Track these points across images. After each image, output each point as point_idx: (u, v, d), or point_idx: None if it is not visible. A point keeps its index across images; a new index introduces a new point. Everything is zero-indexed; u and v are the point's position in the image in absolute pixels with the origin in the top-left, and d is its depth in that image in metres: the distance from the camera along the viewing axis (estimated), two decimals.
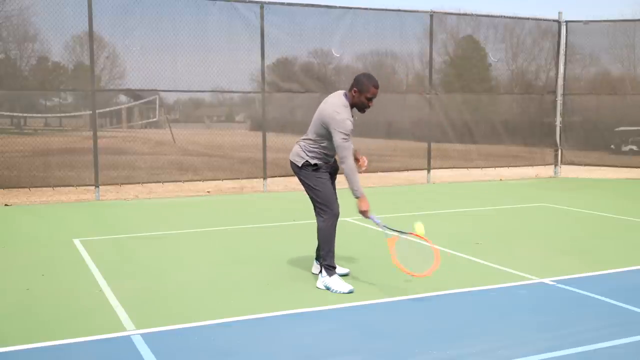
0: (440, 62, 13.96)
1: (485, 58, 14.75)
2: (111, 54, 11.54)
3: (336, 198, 5.25)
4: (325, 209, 5.17)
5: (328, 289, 5.08)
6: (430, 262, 4.91)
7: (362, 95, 5.04)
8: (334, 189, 5.38)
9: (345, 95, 5.13)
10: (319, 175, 5.20)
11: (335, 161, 5.41)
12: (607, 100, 14.76)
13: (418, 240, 4.95)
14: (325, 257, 5.17)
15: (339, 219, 5.24)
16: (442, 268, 5.86)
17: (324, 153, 5.20)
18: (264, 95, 11.86)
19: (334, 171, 5.43)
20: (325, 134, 5.08)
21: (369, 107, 5.11)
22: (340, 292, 5.00)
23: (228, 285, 5.33)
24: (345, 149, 4.96)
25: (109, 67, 11.96)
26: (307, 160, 5.20)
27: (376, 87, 5.06)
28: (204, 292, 5.12)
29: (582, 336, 4.05)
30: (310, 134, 5.21)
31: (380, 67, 13.68)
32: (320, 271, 5.23)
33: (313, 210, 5.32)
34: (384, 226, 5.05)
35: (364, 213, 5.02)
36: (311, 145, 5.20)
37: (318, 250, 5.40)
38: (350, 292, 5.00)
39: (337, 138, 4.97)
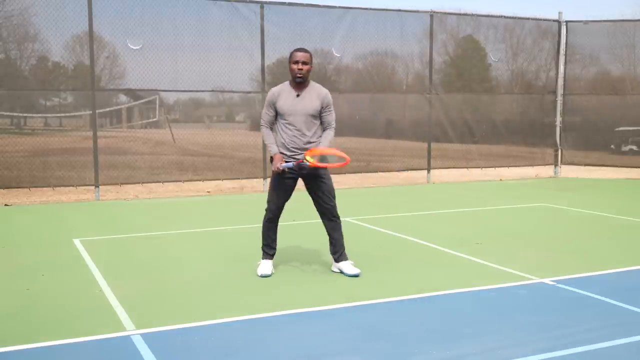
0: (440, 62, 13.95)
1: (485, 58, 14.76)
2: (111, 54, 11.53)
3: (281, 200, 5.54)
4: (267, 205, 5.62)
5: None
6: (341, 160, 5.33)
7: (290, 64, 5.39)
8: (322, 195, 5.51)
9: None
10: (274, 174, 5.51)
11: (312, 167, 5.33)
12: (607, 100, 14.76)
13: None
14: (262, 244, 5.68)
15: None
16: (442, 268, 5.88)
17: (280, 137, 5.49)
18: (264, 95, 11.84)
19: (314, 175, 5.44)
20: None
21: (298, 70, 5.33)
22: (258, 274, 5.49)
23: (228, 285, 5.33)
24: (261, 117, 5.60)
25: (109, 67, 11.96)
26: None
27: (297, 50, 5.39)
28: (204, 292, 5.12)
29: (582, 336, 4.05)
30: None
31: (380, 67, 13.68)
32: (335, 260, 5.63)
33: (312, 210, 5.40)
34: (292, 163, 5.37)
35: (275, 164, 5.37)
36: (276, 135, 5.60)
37: (333, 248, 5.64)
38: (264, 275, 5.45)
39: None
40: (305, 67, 5.33)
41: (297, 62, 5.32)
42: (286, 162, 5.40)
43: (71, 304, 4.76)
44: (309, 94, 5.44)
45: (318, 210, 5.63)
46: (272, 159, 5.44)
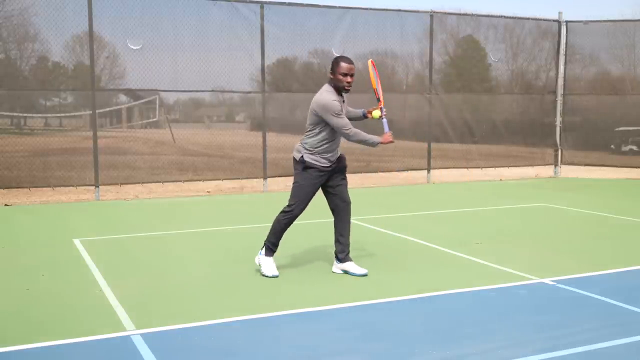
0: (440, 62, 13.95)
1: (485, 58, 14.75)
2: (111, 54, 11.53)
3: (310, 198, 5.48)
4: (290, 204, 5.49)
5: (260, 265, 5.57)
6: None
7: (336, 75, 5.32)
8: (340, 192, 5.56)
9: (328, 83, 5.44)
10: (305, 175, 5.43)
11: (339, 159, 5.55)
12: (607, 100, 14.76)
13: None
14: (269, 240, 5.57)
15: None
16: (442, 268, 5.88)
17: (324, 143, 5.38)
18: (264, 95, 11.85)
19: (339, 170, 5.57)
20: (318, 121, 5.35)
21: (347, 84, 5.34)
22: (264, 275, 5.45)
23: (228, 285, 5.33)
24: (342, 126, 5.30)
25: (109, 67, 11.95)
26: (302, 156, 5.43)
27: (346, 62, 5.33)
28: (204, 292, 5.12)
29: (582, 336, 4.05)
30: (307, 126, 5.45)
31: (380, 67, 13.61)
32: (340, 259, 5.59)
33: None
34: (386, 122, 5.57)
35: (389, 141, 5.47)
36: (310, 138, 5.42)
37: (341, 247, 5.61)
38: (274, 276, 5.40)
39: (332, 120, 5.28)
40: (353, 79, 5.39)
41: (346, 75, 5.31)
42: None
43: (71, 304, 4.76)
44: (345, 99, 5.55)
45: (337, 207, 5.59)
46: (379, 144, 5.48)
